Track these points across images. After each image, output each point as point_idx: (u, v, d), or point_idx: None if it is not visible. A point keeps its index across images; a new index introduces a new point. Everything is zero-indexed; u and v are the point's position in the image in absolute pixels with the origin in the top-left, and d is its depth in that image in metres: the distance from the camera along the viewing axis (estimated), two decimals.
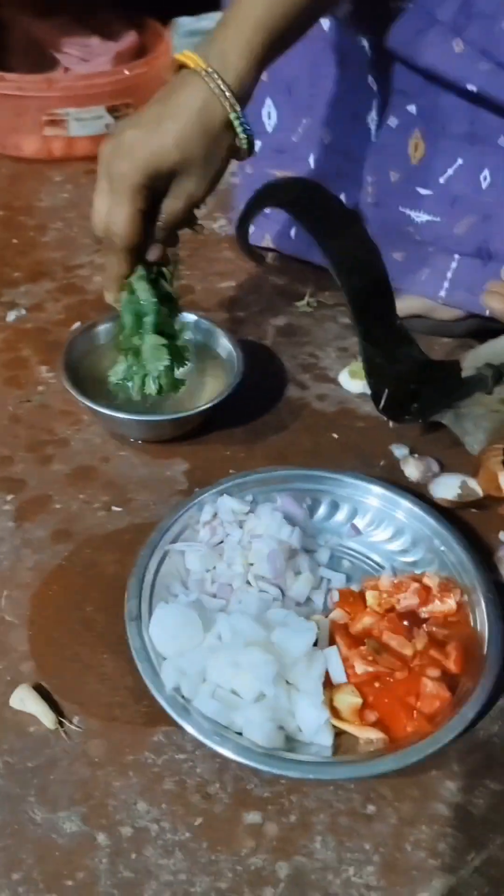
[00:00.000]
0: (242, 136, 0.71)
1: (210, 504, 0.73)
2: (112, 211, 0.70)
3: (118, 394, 0.79)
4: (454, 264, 0.92)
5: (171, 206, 0.71)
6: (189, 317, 0.89)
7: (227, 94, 0.68)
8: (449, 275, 0.93)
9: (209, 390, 0.86)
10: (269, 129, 1.01)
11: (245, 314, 1.04)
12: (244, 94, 0.70)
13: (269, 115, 1.00)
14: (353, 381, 0.92)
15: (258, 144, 1.03)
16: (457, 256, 0.92)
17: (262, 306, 1.05)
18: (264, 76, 0.96)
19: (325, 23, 0.88)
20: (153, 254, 0.74)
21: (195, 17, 1.39)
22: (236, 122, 0.70)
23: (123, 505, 0.77)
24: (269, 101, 0.99)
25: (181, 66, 0.71)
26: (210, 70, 0.68)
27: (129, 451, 0.83)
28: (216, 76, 0.68)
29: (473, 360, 0.84)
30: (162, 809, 0.56)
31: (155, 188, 0.70)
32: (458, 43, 0.77)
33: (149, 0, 1.43)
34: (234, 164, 1.15)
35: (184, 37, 1.37)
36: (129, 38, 1.42)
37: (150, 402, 0.79)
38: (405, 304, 0.93)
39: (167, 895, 0.52)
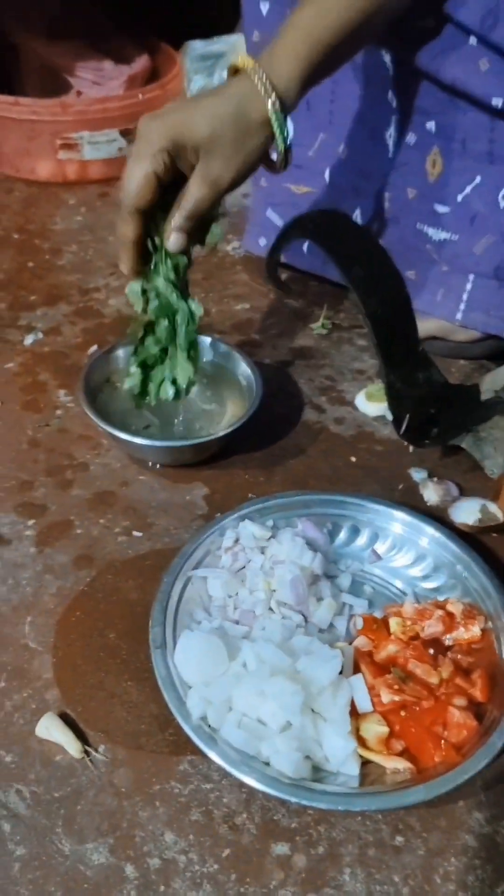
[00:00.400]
0: (280, 137, 0.71)
1: (232, 529, 0.73)
2: (129, 169, 0.70)
3: (132, 399, 0.79)
4: (469, 285, 0.93)
5: (195, 190, 0.70)
6: (206, 340, 0.90)
7: (271, 91, 0.70)
8: (465, 296, 0.93)
9: (228, 414, 0.87)
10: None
11: (261, 337, 1.04)
12: (289, 99, 0.71)
13: None
14: (369, 404, 0.92)
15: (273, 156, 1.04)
16: (472, 277, 0.92)
17: (279, 329, 1.06)
18: None
19: None
20: (175, 243, 0.72)
21: (207, 41, 1.40)
22: (275, 122, 0.70)
23: (144, 530, 0.78)
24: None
25: (236, 71, 0.73)
26: (257, 67, 0.70)
27: (149, 476, 0.83)
28: (262, 74, 0.69)
29: (492, 383, 0.84)
30: (189, 840, 0.56)
31: (177, 157, 0.70)
32: (484, 62, 0.78)
33: (161, 24, 1.45)
34: (246, 184, 1.16)
35: (196, 60, 1.38)
36: (142, 62, 1.43)
37: (164, 408, 0.80)
38: (422, 327, 0.93)
39: None
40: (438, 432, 0.77)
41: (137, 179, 0.69)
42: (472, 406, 0.80)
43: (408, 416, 0.73)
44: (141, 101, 1.33)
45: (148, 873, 0.54)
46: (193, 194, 0.71)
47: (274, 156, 0.74)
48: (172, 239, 0.72)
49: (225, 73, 1.29)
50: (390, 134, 0.91)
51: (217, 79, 1.37)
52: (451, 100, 0.82)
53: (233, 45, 1.39)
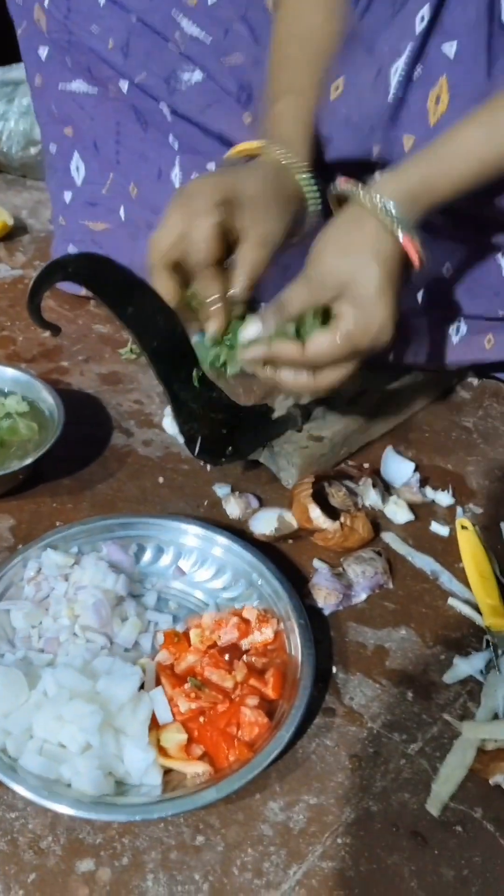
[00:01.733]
0: (308, 188, 0.74)
1: (34, 559, 0.74)
2: (192, 225, 0.67)
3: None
4: None
5: (249, 253, 0.70)
6: (7, 371, 0.90)
7: (301, 167, 0.74)
8: None
9: (34, 443, 0.88)
10: (79, 181, 1.05)
11: (69, 363, 1.06)
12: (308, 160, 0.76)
13: (77, 168, 1.04)
14: (176, 426, 0.96)
15: (69, 196, 1.06)
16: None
17: (87, 355, 1.08)
18: (69, 132, 1.00)
19: (125, 84, 0.93)
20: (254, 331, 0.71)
21: (6, 67, 1.40)
22: (308, 191, 0.74)
23: None
24: (76, 156, 1.03)
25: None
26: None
27: None
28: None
29: (284, 400, 0.91)
30: None
31: (229, 216, 0.69)
32: (247, 116, 0.84)
33: None
34: (50, 215, 1.16)
35: None
36: None
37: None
38: None
39: None
40: (233, 450, 0.82)
41: (206, 231, 0.67)
42: (263, 423, 0.86)
43: (200, 438, 0.78)
44: None
45: None
46: (250, 257, 0.70)
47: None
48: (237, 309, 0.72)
49: (25, 101, 1.30)
50: (176, 174, 0.96)
51: (17, 105, 1.37)
52: (225, 146, 0.88)
53: None
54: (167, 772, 0.62)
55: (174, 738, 0.63)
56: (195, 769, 0.62)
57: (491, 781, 0.64)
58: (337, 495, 0.86)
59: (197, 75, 0.87)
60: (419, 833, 0.62)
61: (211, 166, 0.93)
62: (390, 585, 0.81)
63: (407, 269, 0.70)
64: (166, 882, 0.57)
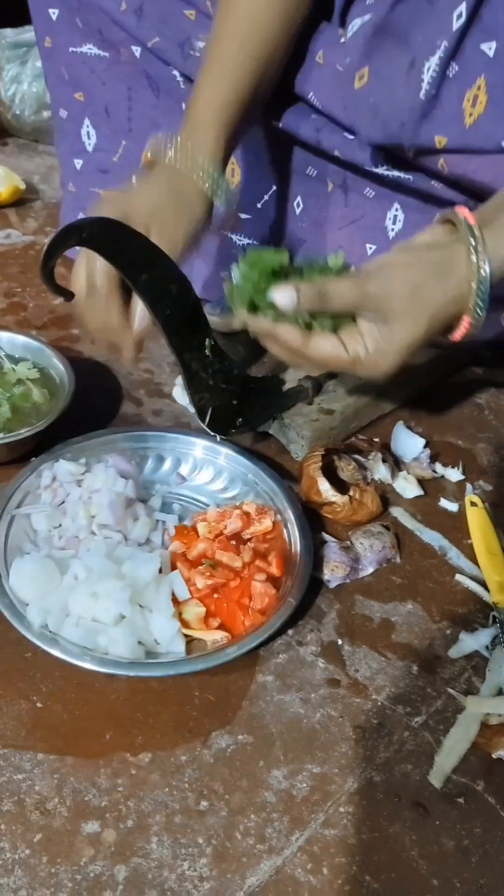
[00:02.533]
0: (219, 197, 0.76)
1: (48, 469, 0.78)
2: (92, 275, 0.72)
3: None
4: None
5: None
6: (18, 338, 0.90)
7: (198, 168, 0.75)
8: None
9: (44, 411, 0.87)
10: (90, 148, 1.03)
11: (80, 331, 1.05)
12: (215, 164, 0.77)
13: (88, 134, 1.02)
14: (186, 395, 0.96)
15: (79, 163, 1.05)
16: None
17: None
18: (80, 96, 0.98)
19: (137, 49, 0.91)
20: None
21: (18, 29, 1.37)
22: (209, 187, 0.75)
23: None
24: (87, 122, 1.01)
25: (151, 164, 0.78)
26: (183, 146, 0.75)
27: None
28: (187, 155, 0.75)
29: (295, 372, 0.90)
30: (1, 831, 0.57)
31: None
32: None
33: None
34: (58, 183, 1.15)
35: (8, 49, 1.35)
36: None
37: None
38: None
39: None
40: (243, 422, 0.82)
41: (103, 280, 0.70)
42: (274, 396, 0.85)
43: (211, 408, 0.77)
44: None
45: None
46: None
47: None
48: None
49: (38, 63, 1.27)
50: None
51: (29, 67, 1.35)
52: None
53: None
54: (189, 641, 0.68)
55: (194, 610, 0.69)
56: (215, 636, 0.69)
57: (494, 755, 0.65)
58: (346, 469, 0.86)
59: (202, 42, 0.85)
60: (421, 804, 0.62)
61: None
62: (398, 560, 0.81)
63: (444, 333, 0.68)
64: (170, 844, 0.58)
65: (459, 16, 0.70)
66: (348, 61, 0.79)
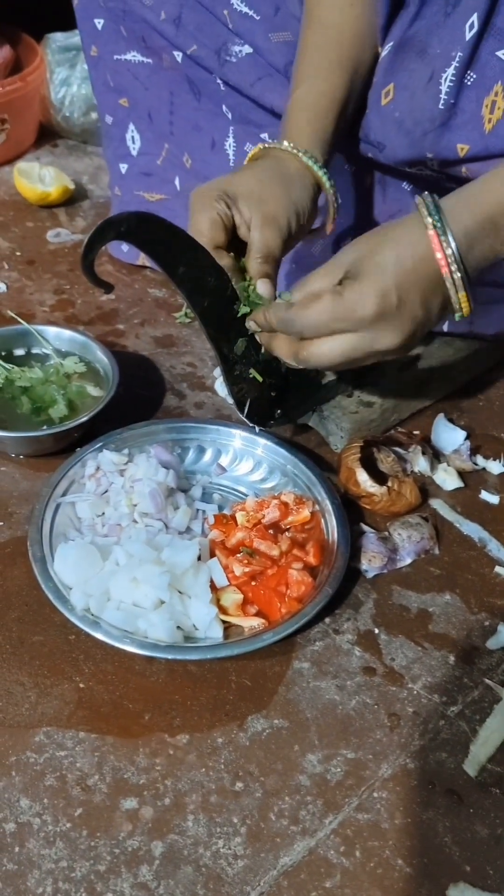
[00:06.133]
0: (325, 181, 0.76)
1: (92, 459, 0.81)
2: (192, 224, 0.71)
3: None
4: None
5: (256, 234, 0.72)
6: (65, 333, 0.93)
7: (301, 150, 0.76)
8: None
9: (89, 403, 0.90)
10: (134, 152, 1.05)
11: (125, 326, 1.07)
12: (316, 155, 0.77)
13: (132, 139, 1.04)
14: (226, 387, 0.97)
15: (125, 167, 1.07)
16: None
17: (143, 318, 1.09)
18: (125, 102, 1.01)
19: (178, 55, 0.93)
20: (263, 288, 0.73)
21: (68, 33, 1.40)
22: (313, 166, 0.76)
23: (5, 519, 0.80)
24: (132, 126, 1.04)
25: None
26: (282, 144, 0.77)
27: (11, 467, 0.86)
28: (286, 143, 0.76)
29: None
30: (43, 804, 0.60)
31: (232, 209, 0.72)
32: None
33: (21, 15, 1.44)
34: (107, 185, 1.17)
35: (57, 52, 1.39)
36: (3, 53, 1.42)
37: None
38: None
39: (49, 882, 0.56)
40: (282, 414, 0.83)
41: (204, 224, 0.70)
42: (313, 388, 0.86)
43: (249, 400, 0.78)
44: (2, 92, 1.33)
45: (3, 837, 0.58)
46: (257, 237, 0.72)
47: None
48: (260, 286, 0.73)
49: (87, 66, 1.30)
50: (230, 144, 0.96)
51: (79, 70, 1.38)
52: (276, 118, 0.87)
53: None
54: (227, 627, 0.70)
55: (231, 597, 0.71)
56: (252, 623, 0.70)
57: None
58: (385, 461, 0.86)
59: (247, 49, 0.87)
60: (455, 791, 0.62)
61: (265, 136, 0.93)
62: (436, 551, 0.81)
63: (447, 299, 0.66)
64: (206, 823, 0.60)
65: (472, 26, 0.71)
66: (376, 80, 0.81)
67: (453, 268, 0.63)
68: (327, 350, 0.67)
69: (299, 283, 0.69)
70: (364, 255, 0.65)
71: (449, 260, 0.63)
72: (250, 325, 0.74)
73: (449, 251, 0.63)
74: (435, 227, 0.63)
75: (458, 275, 0.64)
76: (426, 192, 0.65)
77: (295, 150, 0.76)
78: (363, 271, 0.64)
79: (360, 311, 0.64)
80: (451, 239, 0.63)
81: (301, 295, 0.68)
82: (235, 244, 0.74)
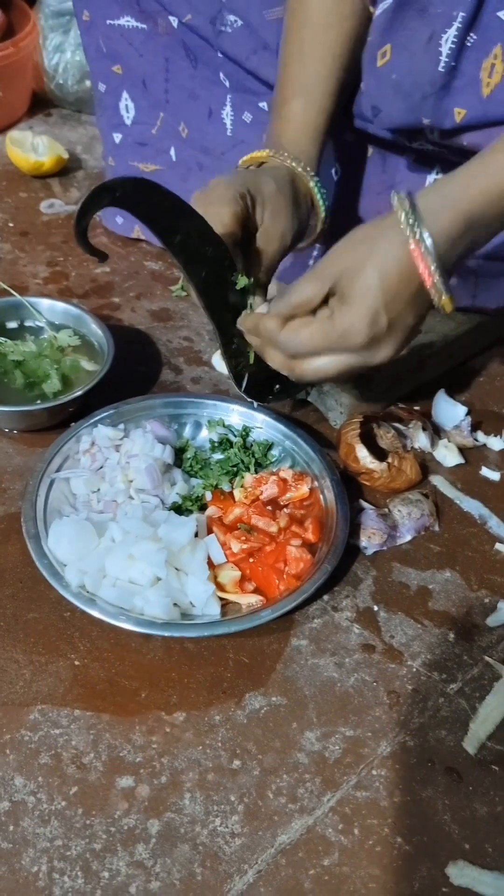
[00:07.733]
0: (320, 203, 0.77)
1: (87, 434, 0.79)
2: (211, 211, 0.68)
3: None
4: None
5: (266, 245, 0.73)
6: (58, 305, 0.91)
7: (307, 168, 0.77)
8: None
9: (83, 377, 0.88)
10: (128, 121, 1.03)
11: (121, 300, 1.06)
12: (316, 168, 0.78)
13: (126, 107, 1.02)
14: (223, 361, 0.95)
15: (118, 137, 1.05)
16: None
17: (138, 291, 1.07)
18: (118, 69, 0.98)
19: (174, 20, 0.90)
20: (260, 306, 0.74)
21: None
22: (316, 192, 0.77)
23: None
24: (125, 95, 1.01)
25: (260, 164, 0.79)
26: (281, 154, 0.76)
27: (4, 442, 0.84)
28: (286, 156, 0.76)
29: None
30: (38, 782, 0.59)
31: (248, 207, 0.70)
32: None
33: None
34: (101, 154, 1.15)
35: (51, 17, 1.35)
36: None
37: None
38: None
39: (44, 861, 0.55)
40: (280, 389, 0.81)
41: (228, 216, 0.68)
42: None
43: (247, 375, 0.77)
44: None
45: None
46: (266, 248, 0.72)
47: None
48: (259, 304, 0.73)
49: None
50: (227, 113, 0.93)
51: (72, 37, 1.34)
52: (272, 90, 0.85)
53: None
54: (224, 604, 0.69)
55: (229, 574, 0.70)
56: (249, 600, 0.69)
57: None
58: (385, 437, 0.85)
59: (240, 21, 0.85)
60: (454, 769, 0.62)
61: (263, 105, 0.90)
62: (436, 528, 0.80)
63: (431, 302, 0.64)
64: (203, 801, 0.59)
65: None
66: (370, 40, 0.77)
67: (436, 277, 0.61)
68: (322, 367, 0.67)
69: (286, 292, 0.67)
70: (349, 272, 0.63)
71: (431, 269, 0.61)
72: (240, 324, 0.73)
73: (430, 259, 0.61)
74: (414, 235, 0.61)
75: (440, 280, 0.62)
76: (403, 193, 0.62)
77: (304, 174, 0.76)
78: (350, 295, 0.63)
79: (352, 338, 0.63)
80: (431, 247, 0.60)
81: (287, 308, 0.66)
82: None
